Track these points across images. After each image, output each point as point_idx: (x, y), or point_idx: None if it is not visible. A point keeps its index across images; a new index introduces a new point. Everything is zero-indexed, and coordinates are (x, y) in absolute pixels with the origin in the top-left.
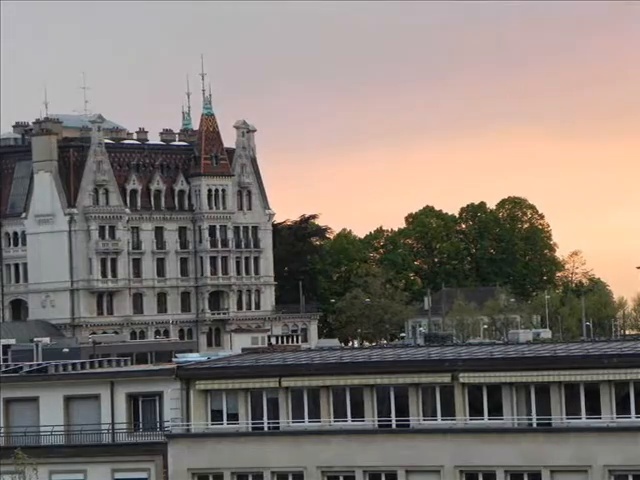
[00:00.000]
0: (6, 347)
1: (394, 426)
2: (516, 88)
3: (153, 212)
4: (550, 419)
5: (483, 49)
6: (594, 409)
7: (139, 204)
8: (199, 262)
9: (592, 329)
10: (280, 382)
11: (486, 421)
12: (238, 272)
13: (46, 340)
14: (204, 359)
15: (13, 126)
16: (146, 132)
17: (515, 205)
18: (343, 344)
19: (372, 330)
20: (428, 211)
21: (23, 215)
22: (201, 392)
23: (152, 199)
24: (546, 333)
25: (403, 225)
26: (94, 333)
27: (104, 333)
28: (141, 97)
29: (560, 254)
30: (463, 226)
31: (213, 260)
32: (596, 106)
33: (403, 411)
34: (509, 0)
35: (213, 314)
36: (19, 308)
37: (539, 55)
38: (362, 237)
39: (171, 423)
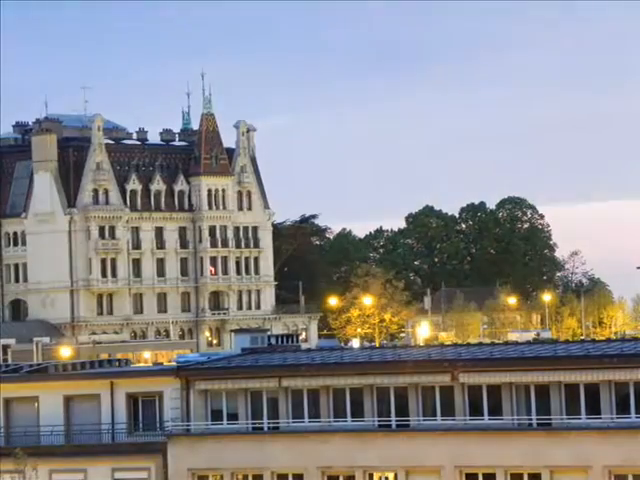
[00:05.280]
0: (6, 347)
1: (394, 426)
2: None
3: (153, 212)
4: (550, 419)
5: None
6: (594, 409)
7: (139, 204)
8: (199, 262)
9: (592, 329)
10: (280, 382)
11: (486, 421)
12: (238, 272)
13: (46, 340)
14: (204, 359)
15: (13, 126)
16: (146, 132)
17: (515, 205)
18: (343, 344)
19: (372, 330)
20: (428, 211)
21: (23, 215)
22: (201, 392)
23: (152, 199)
24: (546, 333)
25: (403, 225)
26: (94, 333)
27: (104, 333)
28: (141, 97)
29: (560, 254)
30: (463, 226)
31: (213, 260)
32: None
33: (403, 411)
34: None
35: (213, 314)
36: (19, 308)
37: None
38: (362, 237)
39: (171, 423)
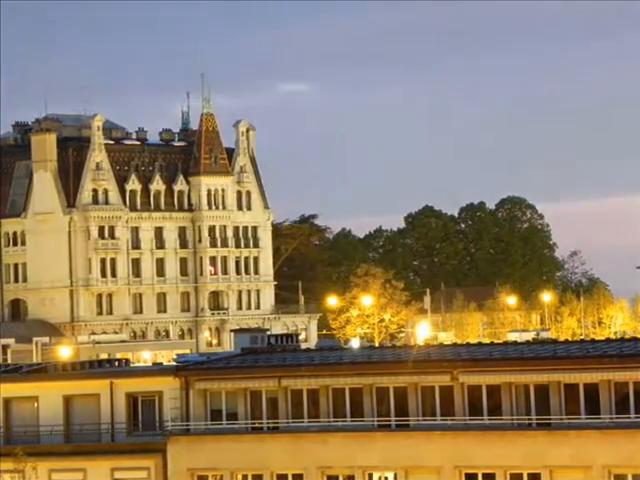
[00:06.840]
0: (5, 347)
1: (393, 426)
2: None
3: (152, 212)
4: (549, 419)
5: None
6: (593, 409)
7: (138, 204)
8: (199, 262)
9: (591, 329)
10: (279, 382)
11: (485, 421)
12: (238, 272)
13: (45, 340)
14: (203, 359)
15: (13, 125)
16: (146, 132)
17: (514, 205)
18: (343, 344)
19: (372, 330)
20: (428, 211)
21: (22, 215)
22: (200, 392)
23: (151, 199)
24: (546, 333)
25: (403, 225)
26: (94, 333)
27: (104, 333)
28: (141, 97)
29: (559, 254)
30: (462, 226)
31: (213, 260)
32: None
33: (402, 411)
34: None
35: (213, 314)
36: (18, 308)
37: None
38: (361, 237)
39: (170, 423)
